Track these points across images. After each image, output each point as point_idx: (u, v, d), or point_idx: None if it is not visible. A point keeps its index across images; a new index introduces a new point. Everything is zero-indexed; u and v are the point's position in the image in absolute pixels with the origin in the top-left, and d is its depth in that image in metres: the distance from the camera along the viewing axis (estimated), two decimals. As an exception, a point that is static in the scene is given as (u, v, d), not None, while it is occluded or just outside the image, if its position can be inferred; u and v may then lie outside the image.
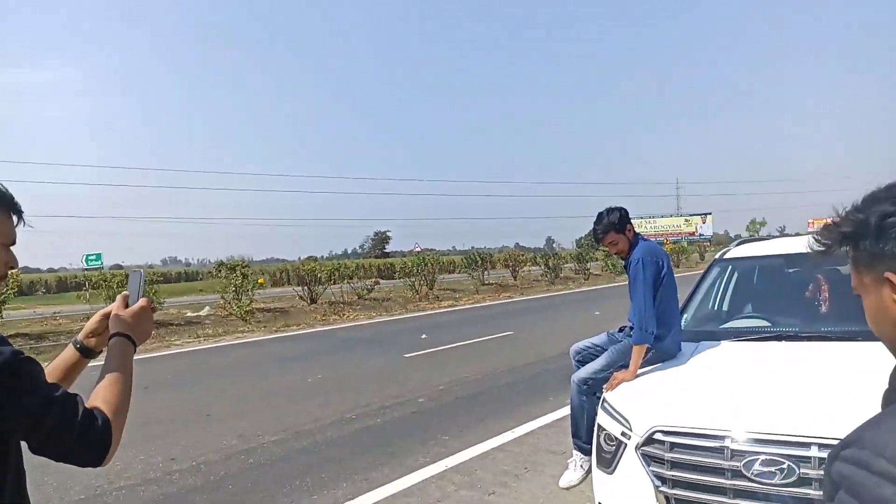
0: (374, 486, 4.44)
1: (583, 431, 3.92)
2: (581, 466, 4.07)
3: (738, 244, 4.61)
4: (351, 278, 21.54)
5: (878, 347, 2.84)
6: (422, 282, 22.85)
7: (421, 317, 17.10)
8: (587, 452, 3.88)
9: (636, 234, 3.79)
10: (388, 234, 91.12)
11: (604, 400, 3.17)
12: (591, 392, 3.84)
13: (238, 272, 16.91)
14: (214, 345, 12.94)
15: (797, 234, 5.80)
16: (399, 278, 25.71)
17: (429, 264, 23.31)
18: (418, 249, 39.14)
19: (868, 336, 3.10)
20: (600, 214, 3.80)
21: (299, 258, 45.70)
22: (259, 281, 18.42)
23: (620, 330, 3.95)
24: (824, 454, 2.19)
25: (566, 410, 4.39)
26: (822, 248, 0.96)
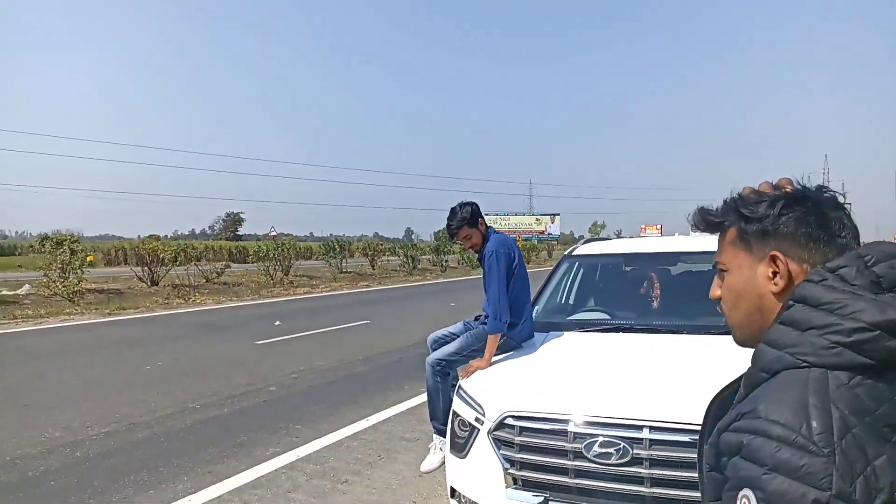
0: (220, 479, 4.22)
1: (439, 413, 3.99)
2: (440, 449, 4.14)
3: (584, 242, 4.96)
4: (199, 260, 20.23)
5: (701, 339, 3.19)
6: (277, 267, 22.06)
7: (275, 303, 16.51)
8: (445, 434, 3.98)
9: (489, 228, 3.93)
10: (241, 215, 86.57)
11: (459, 387, 3.26)
12: (445, 373, 3.95)
13: (66, 247, 15.18)
14: (34, 327, 11.53)
15: (631, 237, 6.36)
16: (252, 262, 24.60)
17: (285, 249, 22.54)
18: (274, 234, 37.69)
19: (692, 329, 3.50)
20: (453, 210, 3.88)
21: (139, 236, 41.98)
22: (89, 258, 16.64)
23: (476, 319, 4.07)
24: (654, 436, 2.43)
25: (422, 398, 4.48)
26: (714, 220, 1.01)
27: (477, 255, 3.97)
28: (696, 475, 1.09)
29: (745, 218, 0.95)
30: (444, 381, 3.95)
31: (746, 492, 0.76)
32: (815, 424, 0.74)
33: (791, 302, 0.87)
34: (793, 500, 0.71)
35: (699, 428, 2.40)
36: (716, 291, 1.03)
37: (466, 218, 3.83)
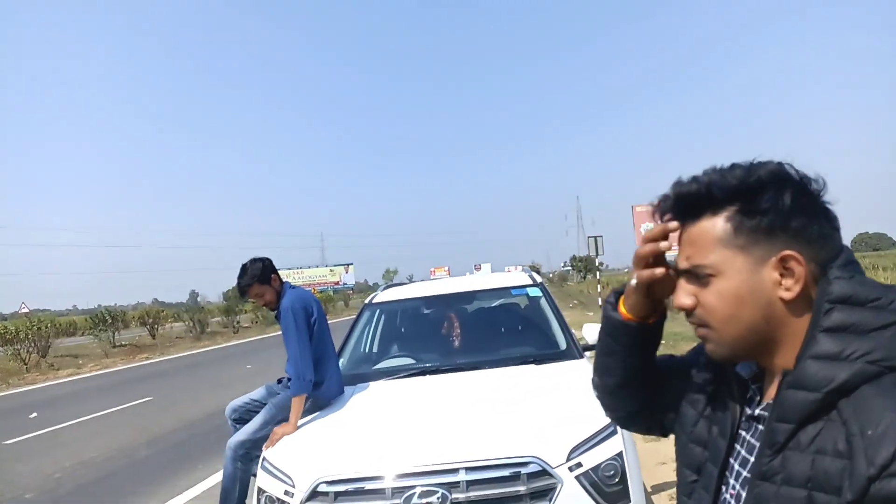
0: None
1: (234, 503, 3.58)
2: None
3: (384, 289, 4.96)
4: None
5: (503, 372, 3.32)
6: (31, 349, 18.70)
7: (30, 391, 13.90)
8: None
9: (283, 283, 3.72)
10: (-22, 292, 72.45)
11: (264, 459, 2.97)
12: (250, 458, 3.52)
13: None
14: None
15: (423, 280, 6.56)
16: (-4, 347, 20.59)
17: (42, 326, 19.25)
18: (25, 310, 32.08)
19: (493, 363, 3.64)
20: (244, 267, 3.64)
21: None
22: None
23: (279, 381, 3.79)
24: (470, 476, 2.43)
25: (219, 476, 3.99)
26: (698, 202, 0.83)
27: (274, 313, 3.72)
28: None
29: (746, 210, 0.79)
30: (245, 465, 3.53)
31: None
32: None
33: (828, 305, 0.75)
34: None
35: (511, 460, 2.49)
36: (685, 300, 0.86)
37: (257, 275, 3.57)
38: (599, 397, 1.17)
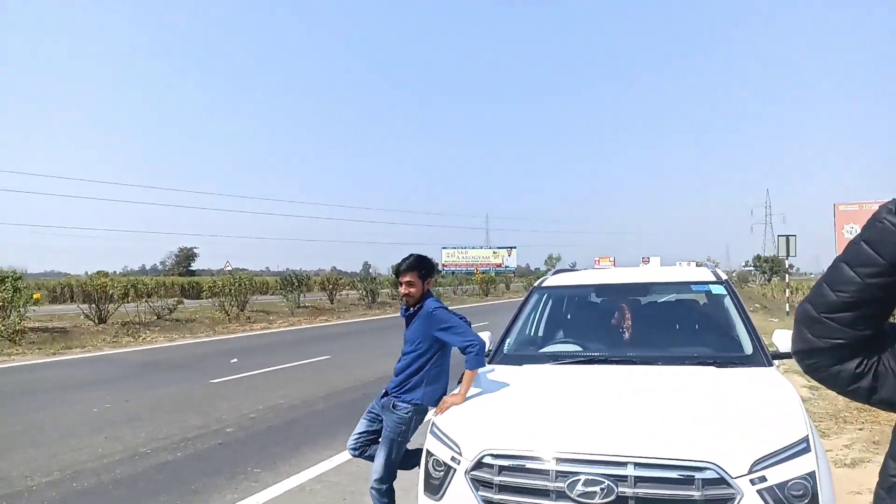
0: (173, 531, 3.92)
1: None
2: None
3: (554, 273, 4.93)
4: (149, 296, 19.45)
5: (676, 370, 3.15)
6: (232, 303, 21.44)
7: (231, 339, 15.97)
8: None
9: (429, 291, 3.74)
10: (194, 250, 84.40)
11: (433, 424, 3.12)
12: (392, 489, 3.59)
13: (8, 284, 14.42)
14: (-32, 371, 10.80)
15: (586, 269, 6.37)
16: (206, 298, 23.87)
17: (241, 284, 21.97)
18: (229, 269, 36.78)
19: (666, 360, 3.47)
20: (418, 256, 3.70)
21: (87, 272, 40.24)
22: (35, 296, 15.84)
23: (383, 396, 3.70)
24: (639, 472, 2.35)
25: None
26: None
27: (406, 309, 3.76)
28: None
29: None
30: (392, 498, 3.59)
31: None
32: None
33: None
34: None
35: (685, 463, 2.36)
36: None
37: (424, 267, 3.65)
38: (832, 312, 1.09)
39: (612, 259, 66.24)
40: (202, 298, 27.53)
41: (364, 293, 29.51)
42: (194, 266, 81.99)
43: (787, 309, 21.80)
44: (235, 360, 11.59)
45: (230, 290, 21.46)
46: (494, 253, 76.48)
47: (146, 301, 18.93)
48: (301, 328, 19.34)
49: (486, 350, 3.81)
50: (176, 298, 22.05)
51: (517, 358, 3.83)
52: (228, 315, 20.62)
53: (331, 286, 28.61)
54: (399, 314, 3.93)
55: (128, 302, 18.10)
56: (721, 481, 2.29)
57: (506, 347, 4.02)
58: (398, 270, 3.71)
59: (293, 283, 25.86)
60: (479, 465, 2.63)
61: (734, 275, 78.13)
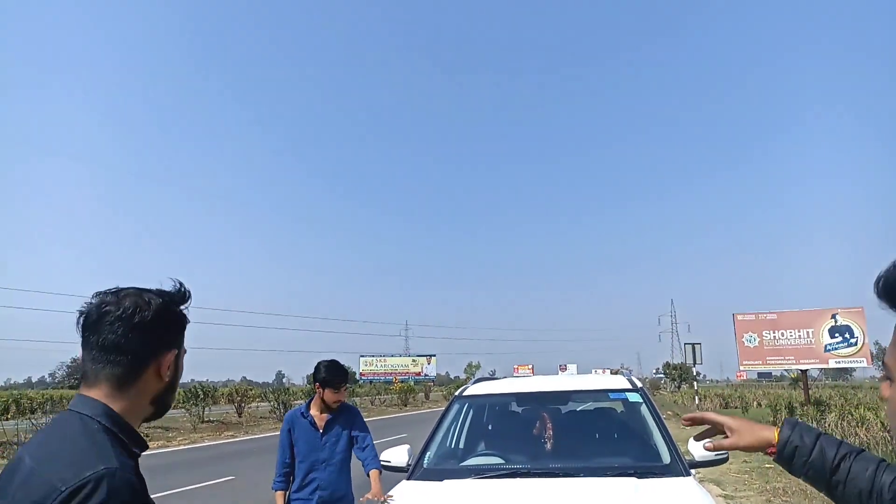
0: None
1: None
2: None
3: (475, 382, 4.85)
4: (33, 412, 17.53)
5: (599, 482, 3.09)
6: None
7: (121, 460, 14.42)
8: None
9: None
10: (89, 360, 77.83)
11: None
12: None
13: None
14: None
15: (506, 377, 6.39)
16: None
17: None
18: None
19: (588, 472, 3.40)
20: (342, 367, 3.93)
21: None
22: None
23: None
24: None
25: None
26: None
27: (330, 415, 3.89)
28: None
29: None
30: None
31: None
32: None
33: None
34: None
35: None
36: (884, 392, 0.89)
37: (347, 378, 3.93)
38: None
39: (531, 367, 66.79)
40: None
41: (276, 405, 27.93)
42: (87, 377, 75.31)
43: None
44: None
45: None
46: (414, 361, 75.38)
47: (29, 417, 17.01)
48: (203, 445, 17.83)
49: (406, 464, 3.74)
50: (62, 414, 19.88)
51: (437, 472, 3.65)
52: (121, 432, 18.77)
53: (239, 398, 26.93)
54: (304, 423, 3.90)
55: (6, 419, 16.19)
56: None
57: (426, 461, 3.83)
58: (333, 381, 3.77)
59: (198, 395, 24.16)
60: None
61: (647, 382, 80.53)
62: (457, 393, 4.72)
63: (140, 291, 1.24)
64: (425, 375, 72.43)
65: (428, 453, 3.96)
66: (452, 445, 4.34)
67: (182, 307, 1.31)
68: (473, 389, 4.62)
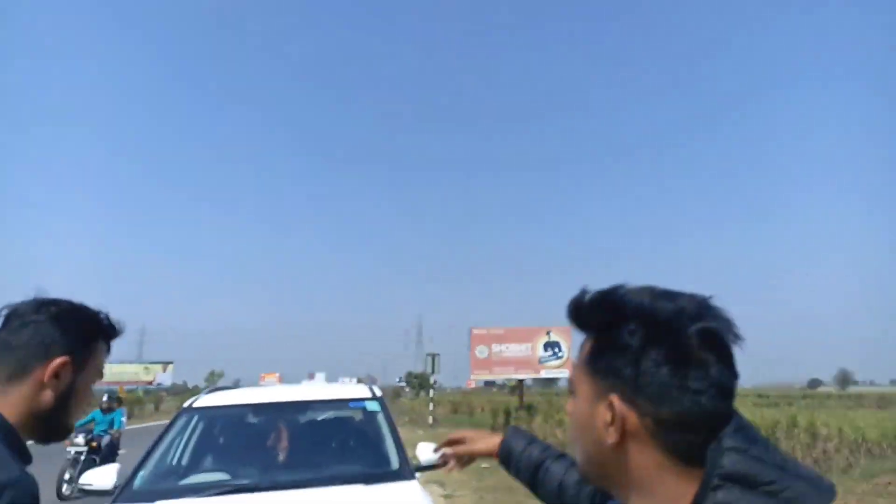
0: None
1: None
2: None
3: (207, 392, 4.51)
4: None
5: (323, 493, 3.07)
6: None
7: None
8: None
9: None
10: None
11: None
12: None
13: None
14: None
15: (251, 386, 6.12)
16: None
17: None
18: None
19: (318, 482, 3.37)
20: None
21: None
22: None
23: None
24: None
25: None
26: (578, 321, 0.79)
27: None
28: None
29: (604, 340, 0.74)
30: None
31: None
32: None
33: (717, 481, 0.64)
34: None
35: None
36: (568, 408, 0.83)
37: None
38: None
39: (278, 375, 64.64)
40: None
41: None
42: None
43: (430, 421, 24.07)
44: None
45: None
46: (146, 368, 67.56)
47: None
48: None
49: (112, 486, 3.36)
50: None
51: (148, 494, 3.28)
52: None
53: None
54: None
55: None
56: None
57: (137, 482, 3.42)
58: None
59: None
60: None
61: (390, 390, 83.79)
62: (185, 405, 4.33)
63: (57, 300, 1.18)
64: (159, 385, 65.60)
65: (141, 472, 3.55)
66: (174, 462, 3.96)
67: (102, 327, 1.25)
68: (205, 401, 4.29)
